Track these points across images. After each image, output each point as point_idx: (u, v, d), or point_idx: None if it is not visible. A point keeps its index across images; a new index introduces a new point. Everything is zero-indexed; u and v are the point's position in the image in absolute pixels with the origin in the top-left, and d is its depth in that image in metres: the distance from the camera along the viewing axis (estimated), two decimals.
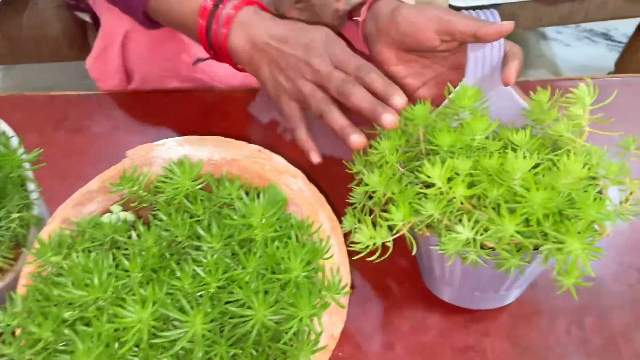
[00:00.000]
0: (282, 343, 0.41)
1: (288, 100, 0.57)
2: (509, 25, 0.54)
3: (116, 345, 0.40)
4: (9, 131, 0.55)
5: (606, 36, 1.87)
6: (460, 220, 0.44)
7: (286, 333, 0.41)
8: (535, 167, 0.46)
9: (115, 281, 0.42)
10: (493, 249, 0.44)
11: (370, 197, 0.50)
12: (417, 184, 0.48)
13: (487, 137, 0.50)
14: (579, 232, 0.41)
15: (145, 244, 0.44)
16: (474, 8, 0.59)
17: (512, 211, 0.42)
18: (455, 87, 0.54)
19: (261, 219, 0.44)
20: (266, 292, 0.41)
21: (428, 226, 0.47)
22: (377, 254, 0.46)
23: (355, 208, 0.50)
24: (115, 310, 0.40)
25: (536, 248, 0.44)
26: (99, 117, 0.77)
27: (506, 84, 0.53)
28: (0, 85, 1.91)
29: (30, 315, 0.42)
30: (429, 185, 0.45)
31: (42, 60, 1.32)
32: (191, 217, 0.48)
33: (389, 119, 0.49)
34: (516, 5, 1.19)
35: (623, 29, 1.86)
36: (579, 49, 1.86)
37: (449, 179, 0.44)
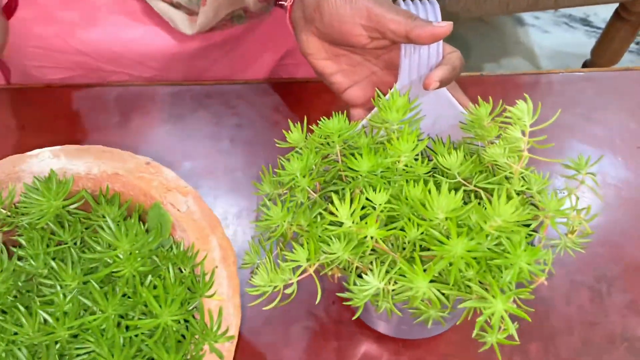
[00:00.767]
0: None
1: None
2: (446, 28, 0.46)
3: None
4: None
5: (585, 22, 1.79)
6: (371, 264, 0.37)
7: None
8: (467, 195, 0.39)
9: None
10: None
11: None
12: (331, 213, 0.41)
13: (415, 158, 0.42)
14: (503, 290, 0.34)
15: None
16: None
17: (427, 260, 0.35)
18: (388, 89, 0.47)
19: (129, 250, 0.37)
20: (124, 344, 0.34)
21: (340, 267, 0.40)
22: (277, 299, 0.39)
23: (259, 241, 0.43)
24: None
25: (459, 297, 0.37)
26: (3, 114, 0.69)
27: (424, 87, 0.46)
28: None
29: None
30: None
31: None
32: (59, 244, 0.40)
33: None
34: None
35: (603, 13, 1.78)
36: (556, 35, 1.79)
37: (363, 215, 0.37)
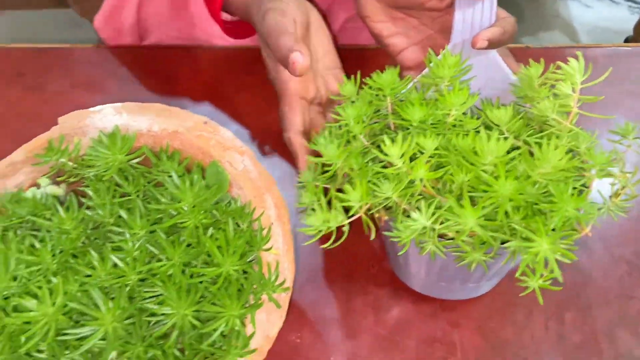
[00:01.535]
0: (206, 345, 0.36)
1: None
2: None
3: (23, 339, 0.36)
4: None
5: None
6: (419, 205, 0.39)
7: (213, 333, 0.36)
8: (515, 149, 0.40)
9: (25, 268, 0.37)
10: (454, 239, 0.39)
11: (323, 173, 0.44)
12: (381, 161, 0.42)
13: (465, 113, 0.43)
14: (552, 230, 0.35)
15: (63, 227, 0.40)
16: None
17: (476, 200, 0.36)
18: (441, 50, 0.48)
19: (192, 203, 0.39)
20: (189, 289, 0.36)
21: (388, 209, 0.42)
22: (331, 240, 0.40)
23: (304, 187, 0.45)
24: (19, 302, 0.35)
25: (505, 242, 0.38)
26: (57, 73, 0.71)
27: (473, 44, 0.47)
28: None
29: None
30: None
31: (23, 8, 1.25)
32: (123, 196, 0.43)
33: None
34: None
35: None
36: (598, 9, 1.74)
37: (412, 158, 0.39)
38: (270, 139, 0.65)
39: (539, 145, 0.38)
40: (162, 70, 0.72)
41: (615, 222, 0.59)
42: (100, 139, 0.43)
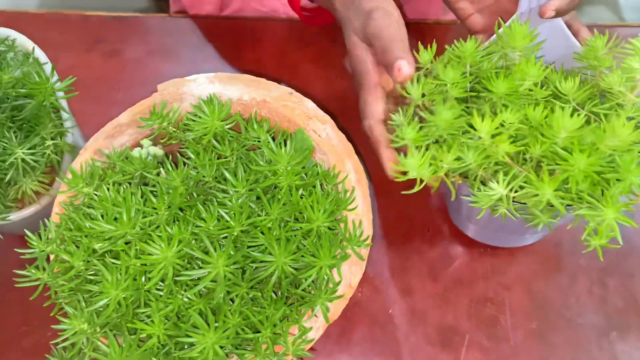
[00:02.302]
0: (301, 289, 0.42)
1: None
2: None
3: (143, 279, 0.42)
4: (43, 57, 0.55)
5: None
6: (494, 173, 0.43)
7: (305, 280, 0.42)
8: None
9: (142, 218, 0.43)
10: (524, 203, 0.43)
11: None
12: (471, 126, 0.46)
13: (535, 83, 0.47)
14: (614, 200, 0.39)
15: (173, 183, 0.45)
16: None
17: (551, 172, 0.40)
18: (508, 18, 0.50)
19: (287, 166, 0.44)
20: (288, 240, 0.41)
21: (461, 173, 0.46)
22: (417, 186, 0.43)
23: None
24: (142, 246, 0.41)
25: (569, 205, 0.43)
26: (134, 40, 0.76)
27: (540, 14, 0.50)
28: (37, 1, 1.86)
29: (62, 244, 0.44)
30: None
31: None
32: (218, 158, 0.48)
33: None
34: None
35: None
36: None
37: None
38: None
39: (607, 117, 0.42)
40: (236, 41, 0.76)
41: None
42: (200, 105, 0.48)
